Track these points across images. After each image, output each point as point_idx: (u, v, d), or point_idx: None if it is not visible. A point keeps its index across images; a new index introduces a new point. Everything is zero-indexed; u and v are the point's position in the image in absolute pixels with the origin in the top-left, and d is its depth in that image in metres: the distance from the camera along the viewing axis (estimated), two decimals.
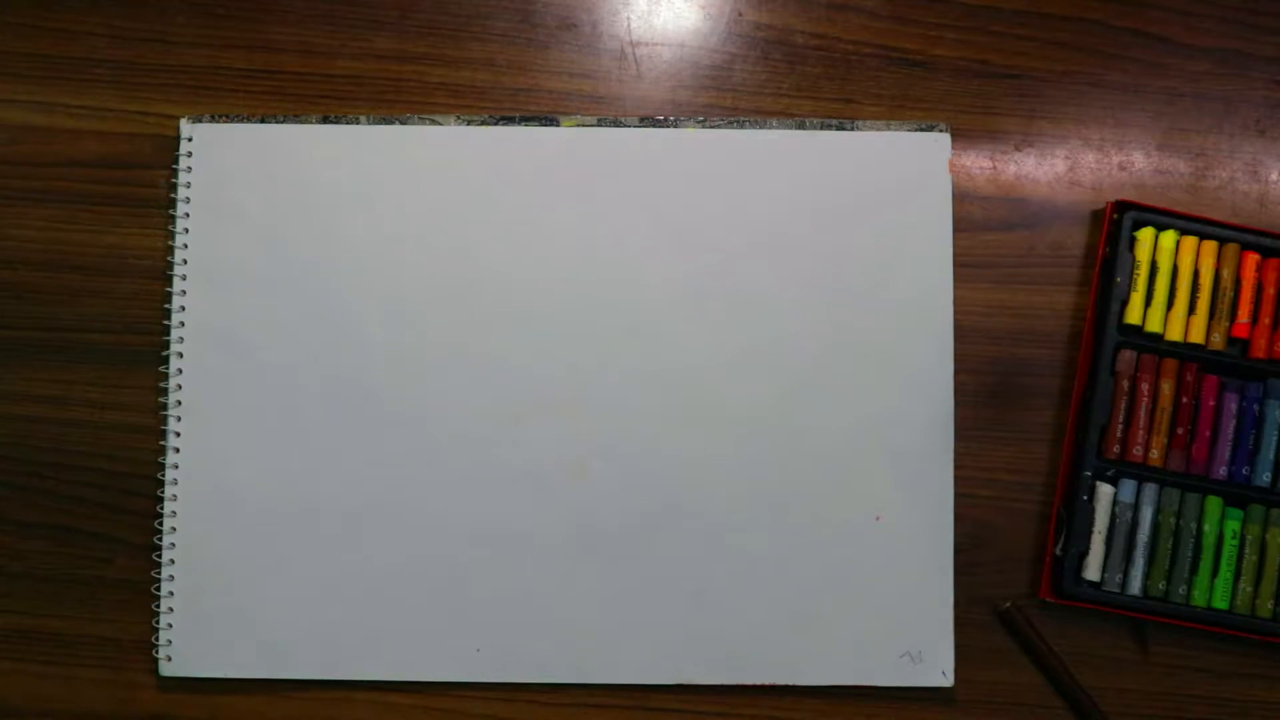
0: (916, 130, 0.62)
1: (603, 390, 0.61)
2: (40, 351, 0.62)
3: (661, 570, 0.61)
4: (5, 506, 0.61)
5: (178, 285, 0.61)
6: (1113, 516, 0.60)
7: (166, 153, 0.62)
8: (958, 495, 0.61)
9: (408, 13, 0.63)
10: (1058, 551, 0.61)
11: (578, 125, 0.62)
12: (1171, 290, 0.61)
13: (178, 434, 0.61)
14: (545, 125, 0.62)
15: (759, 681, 0.60)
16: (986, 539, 0.62)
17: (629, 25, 0.64)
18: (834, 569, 0.61)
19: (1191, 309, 0.61)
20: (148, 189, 0.62)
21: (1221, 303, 0.61)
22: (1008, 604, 0.61)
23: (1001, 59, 0.64)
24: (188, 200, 0.61)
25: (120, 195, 0.62)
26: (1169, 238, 0.61)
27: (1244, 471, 0.61)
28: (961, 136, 0.64)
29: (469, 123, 0.62)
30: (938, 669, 0.61)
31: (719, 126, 0.62)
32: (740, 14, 0.64)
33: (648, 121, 0.62)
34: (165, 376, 0.61)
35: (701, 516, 0.61)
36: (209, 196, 0.61)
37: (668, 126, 0.62)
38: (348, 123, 0.62)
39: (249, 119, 0.62)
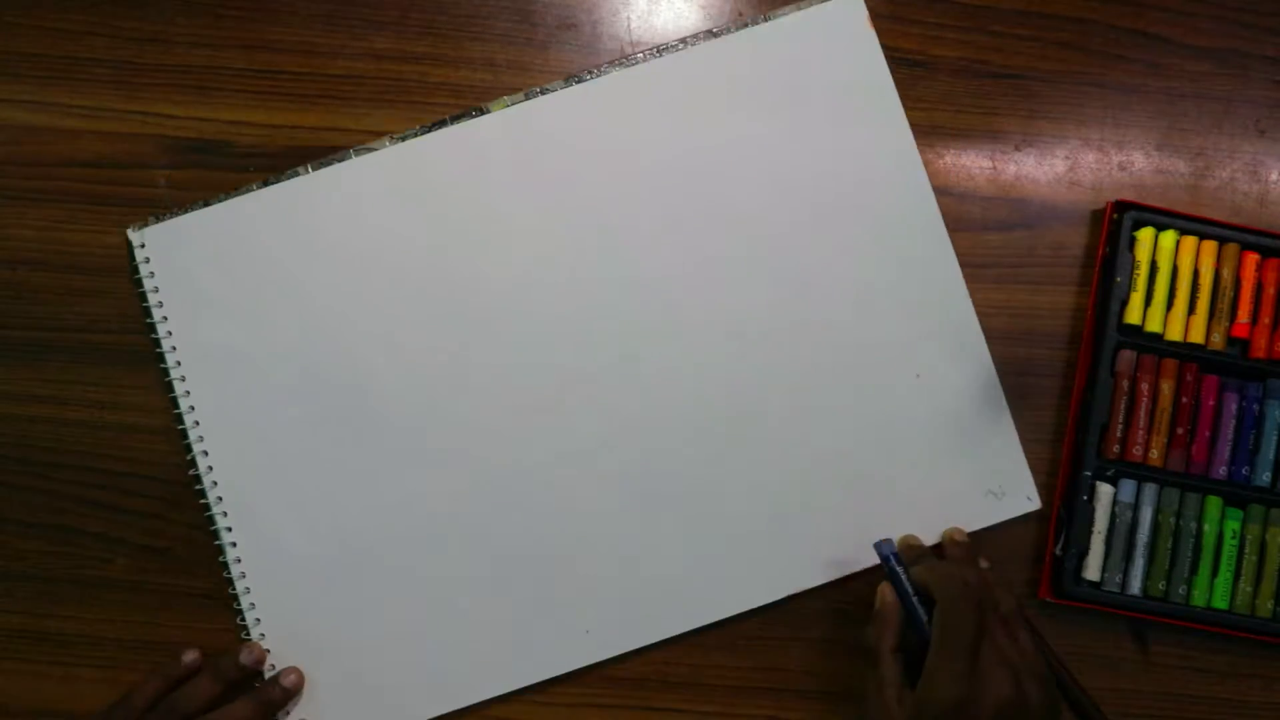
0: (823, 2, 0.62)
1: (624, 349, 0.61)
2: (40, 351, 0.62)
3: (736, 500, 0.60)
4: (5, 506, 0.61)
5: (179, 387, 0.61)
6: (1113, 516, 0.60)
7: (167, 153, 0.62)
8: None
9: (408, 13, 0.63)
10: (1058, 551, 0.61)
11: (506, 106, 0.62)
12: (1171, 290, 0.61)
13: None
14: (476, 116, 0.62)
15: (864, 567, 0.60)
16: (987, 538, 0.62)
17: (629, 25, 0.64)
18: (896, 438, 0.61)
19: (1191, 309, 0.61)
20: (148, 189, 0.62)
21: (1221, 303, 0.61)
22: None
23: (1001, 59, 0.64)
24: (160, 304, 0.61)
25: (120, 195, 0.62)
26: (1169, 238, 0.61)
27: (1244, 471, 0.61)
28: (961, 136, 0.64)
29: (402, 139, 0.62)
30: (1022, 496, 0.61)
31: (636, 64, 0.62)
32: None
33: (572, 80, 0.62)
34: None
35: (758, 440, 0.61)
36: (180, 293, 0.61)
37: (591, 79, 0.62)
38: (287, 178, 0.61)
39: (191, 207, 0.61)
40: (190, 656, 0.59)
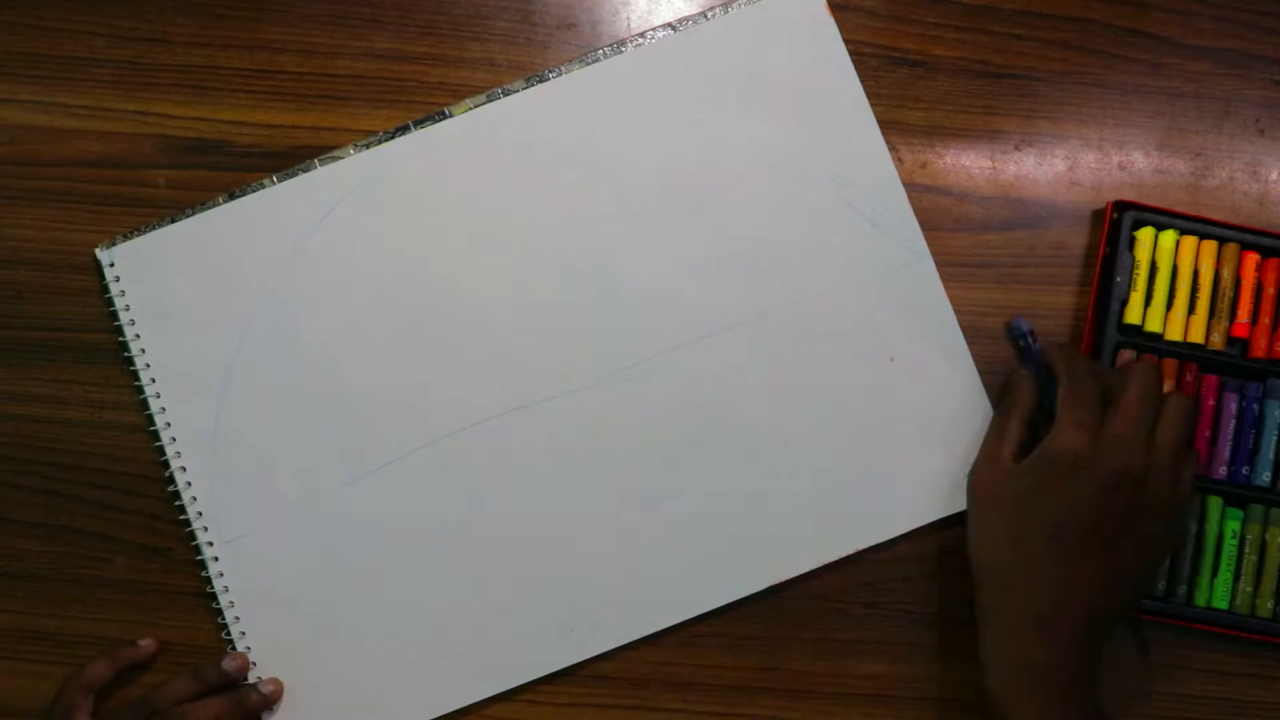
0: None
1: (596, 346, 0.61)
2: (40, 351, 0.62)
3: (714, 491, 0.60)
4: (5, 506, 0.61)
5: (154, 404, 0.60)
6: None
7: (167, 153, 0.62)
8: None
9: (408, 13, 0.63)
10: None
11: (469, 109, 0.62)
12: (1171, 290, 0.61)
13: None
14: (438, 120, 0.62)
15: (850, 551, 0.60)
16: None
17: (629, 25, 0.64)
18: (873, 423, 0.61)
19: (1191, 309, 0.61)
20: (148, 189, 0.62)
21: (1221, 303, 0.61)
22: None
23: (1001, 59, 0.64)
24: (133, 323, 0.61)
25: (120, 195, 0.62)
26: (1169, 237, 0.61)
27: (1244, 471, 0.61)
28: (961, 136, 0.64)
29: (366, 146, 0.62)
30: None
31: (596, 61, 0.62)
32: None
33: (534, 79, 0.62)
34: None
35: (736, 432, 0.61)
36: (152, 309, 0.61)
37: (553, 78, 0.62)
38: (253, 190, 0.61)
39: (159, 223, 0.61)
40: (146, 642, 0.59)
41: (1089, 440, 0.53)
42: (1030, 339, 0.60)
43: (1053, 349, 0.58)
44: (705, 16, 0.62)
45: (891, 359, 0.61)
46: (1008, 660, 0.54)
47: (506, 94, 0.62)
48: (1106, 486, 0.53)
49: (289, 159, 0.62)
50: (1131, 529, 0.54)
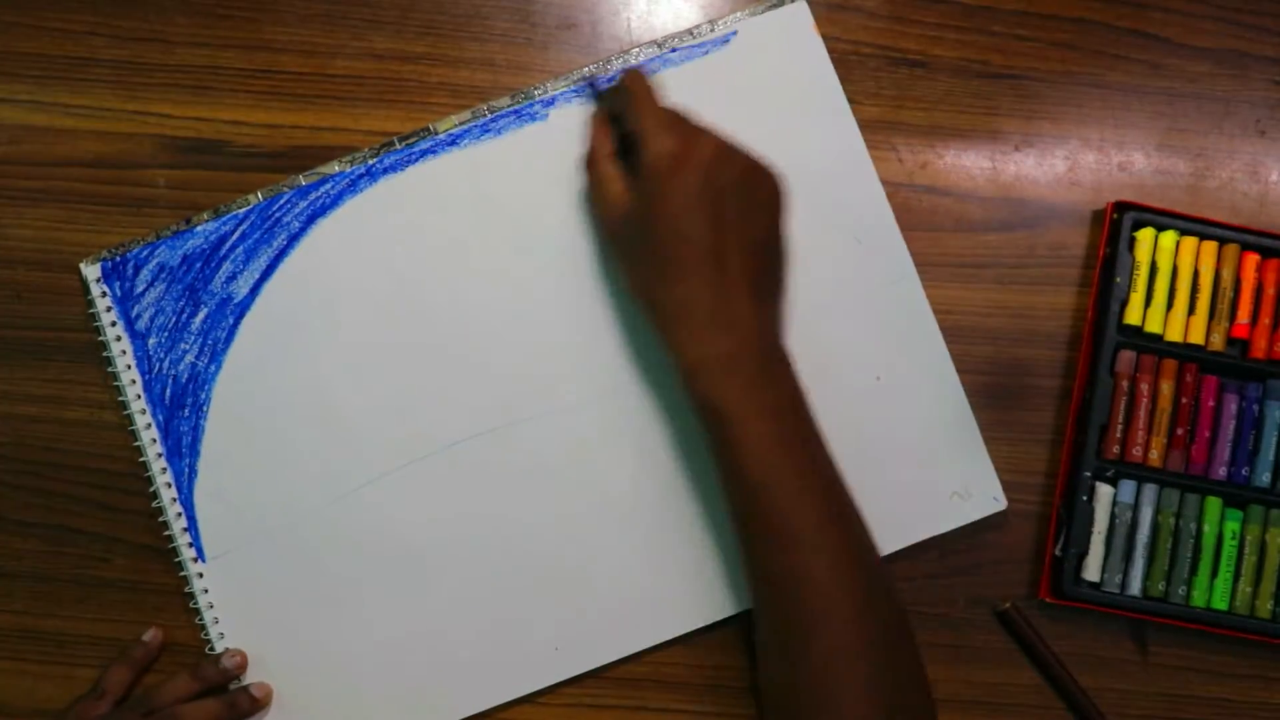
0: (770, 10, 0.62)
1: (586, 365, 0.61)
2: (40, 351, 0.62)
3: (699, 511, 0.60)
4: (5, 506, 0.61)
5: (140, 420, 0.60)
6: (1112, 517, 0.60)
7: (166, 152, 0.62)
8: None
9: (408, 13, 0.63)
10: (1057, 552, 0.61)
11: (455, 126, 0.62)
12: (1171, 290, 0.61)
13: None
14: (424, 137, 0.61)
15: None
16: (986, 539, 0.62)
17: (629, 25, 0.64)
18: (858, 442, 0.59)
19: (1191, 309, 0.61)
20: (147, 189, 0.62)
21: (1221, 303, 0.61)
22: (1008, 604, 0.61)
23: (1001, 59, 0.64)
24: (119, 338, 0.61)
25: (120, 195, 0.62)
26: (1169, 238, 0.61)
27: (1243, 472, 0.61)
28: (961, 137, 0.64)
29: (351, 163, 0.61)
30: (989, 496, 0.61)
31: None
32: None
33: (519, 95, 0.62)
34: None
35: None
36: (137, 324, 0.61)
37: (541, 95, 0.62)
38: (238, 207, 0.61)
39: (143, 240, 0.61)
40: (150, 635, 0.60)
41: (677, 136, 0.54)
42: (596, 89, 0.60)
43: (617, 82, 0.58)
44: (692, 34, 0.62)
45: (878, 378, 0.61)
46: (703, 358, 0.53)
47: (493, 111, 0.62)
48: (712, 165, 0.54)
49: (288, 159, 0.62)
50: (749, 196, 0.55)
